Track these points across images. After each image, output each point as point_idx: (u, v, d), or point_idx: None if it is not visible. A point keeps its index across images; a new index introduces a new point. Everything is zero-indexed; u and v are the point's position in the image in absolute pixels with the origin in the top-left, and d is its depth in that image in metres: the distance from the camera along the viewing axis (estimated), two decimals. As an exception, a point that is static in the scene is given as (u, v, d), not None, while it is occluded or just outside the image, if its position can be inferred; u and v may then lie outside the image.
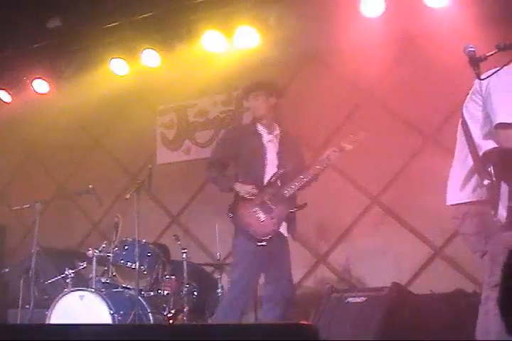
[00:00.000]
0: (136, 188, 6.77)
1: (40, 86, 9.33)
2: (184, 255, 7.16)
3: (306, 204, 6.11)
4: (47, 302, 7.69)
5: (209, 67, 8.69)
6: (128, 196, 6.72)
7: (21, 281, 8.19)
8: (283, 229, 5.98)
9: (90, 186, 7.46)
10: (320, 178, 8.32)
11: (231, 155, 6.17)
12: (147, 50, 8.40)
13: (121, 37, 8.44)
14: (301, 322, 2.08)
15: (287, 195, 5.96)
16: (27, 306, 7.92)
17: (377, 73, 8.08)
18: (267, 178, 6.01)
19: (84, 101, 9.05)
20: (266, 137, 6.14)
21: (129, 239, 7.13)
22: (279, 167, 6.05)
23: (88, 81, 8.95)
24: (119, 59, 8.63)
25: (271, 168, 6.05)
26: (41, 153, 10.35)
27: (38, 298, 7.85)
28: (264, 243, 5.82)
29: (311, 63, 8.74)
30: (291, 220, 6.05)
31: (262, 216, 5.88)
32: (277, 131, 6.19)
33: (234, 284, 5.94)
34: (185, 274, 7.13)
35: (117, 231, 7.35)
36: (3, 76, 9.55)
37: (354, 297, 6.58)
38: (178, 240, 7.45)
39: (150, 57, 8.45)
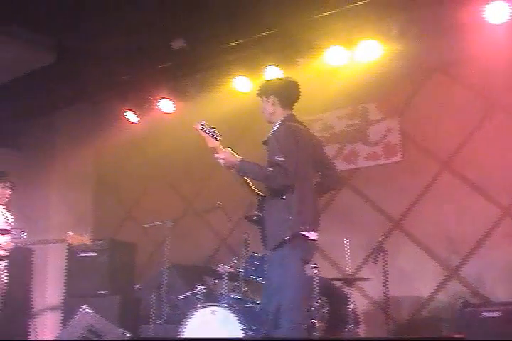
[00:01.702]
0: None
1: (166, 105, 9.56)
2: (314, 270, 7.13)
3: None
4: (178, 317, 7.80)
5: (332, 81, 8.70)
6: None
7: (153, 297, 8.35)
8: None
9: (219, 203, 7.55)
10: (449, 191, 8.24)
11: None
12: (270, 66, 8.47)
13: (244, 55, 8.55)
14: (454, 335, 2.04)
15: None
16: (158, 321, 8.06)
17: (504, 81, 7.88)
18: None
19: (209, 119, 9.07)
20: None
21: (259, 255, 7.17)
22: None
23: (212, 99, 9.12)
24: (242, 76, 8.74)
25: None
26: (169, 171, 10.52)
27: (169, 313, 7.98)
28: None
29: (435, 74, 8.58)
30: None
31: None
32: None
33: None
34: (315, 289, 7.09)
35: (247, 247, 7.41)
36: (130, 97, 9.82)
37: (489, 311, 6.43)
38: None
39: (273, 74, 8.51)
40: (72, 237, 7.79)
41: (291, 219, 5.19)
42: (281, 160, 5.18)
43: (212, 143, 5.46)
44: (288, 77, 5.89)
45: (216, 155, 5.42)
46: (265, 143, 5.54)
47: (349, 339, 6.13)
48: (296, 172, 5.26)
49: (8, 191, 7.94)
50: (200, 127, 5.47)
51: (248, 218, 5.65)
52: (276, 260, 5.31)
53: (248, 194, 5.65)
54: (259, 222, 5.50)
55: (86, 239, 7.88)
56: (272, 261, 5.41)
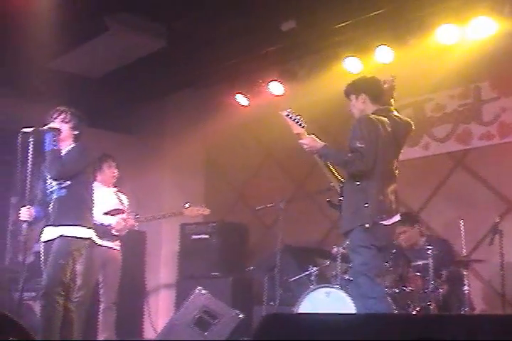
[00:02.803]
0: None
1: (276, 88, 9.55)
2: (430, 251, 7.07)
3: None
4: (291, 299, 7.86)
5: (443, 60, 8.53)
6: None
7: (265, 279, 8.42)
8: None
9: (332, 184, 7.51)
10: None
11: None
12: (380, 46, 8.38)
13: (354, 35, 8.47)
14: None
15: None
16: (271, 303, 8.12)
17: None
18: None
19: (319, 101, 9.10)
20: None
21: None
22: None
23: (322, 81, 9.04)
24: (352, 57, 8.66)
25: None
26: (279, 154, 10.52)
27: (282, 295, 8.03)
28: None
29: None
30: None
31: None
32: None
33: None
34: (430, 271, 7.04)
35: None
36: (239, 80, 9.88)
37: None
38: (424, 236, 7.41)
39: (383, 54, 8.43)
40: (189, 209, 7.90)
41: (367, 207, 5.41)
42: (360, 147, 5.42)
43: (297, 129, 5.80)
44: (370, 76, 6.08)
45: (301, 141, 5.75)
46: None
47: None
48: (376, 160, 5.49)
49: (114, 170, 8.06)
50: (286, 114, 5.82)
51: (330, 203, 5.92)
52: (350, 245, 5.64)
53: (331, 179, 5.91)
54: (340, 207, 5.74)
55: (204, 210, 7.99)
56: (348, 245, 5.75)
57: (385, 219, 5.49)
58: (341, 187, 5.77)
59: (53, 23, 7.97)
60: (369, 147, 5.45)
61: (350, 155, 5.45)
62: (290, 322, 2.43)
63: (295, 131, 5.81)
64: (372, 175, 5.49)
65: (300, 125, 5.80)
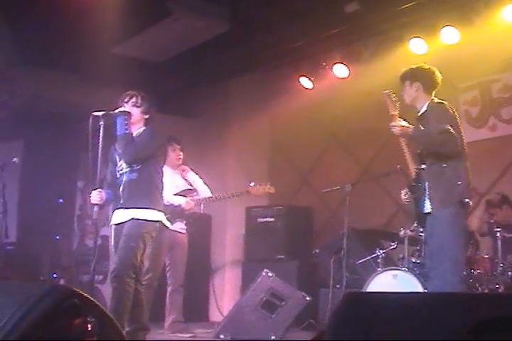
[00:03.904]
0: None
1: (340, 70, 9.50)
2: (498, 234, 7.02)
3: None
4: (357, 282, 7.86)
5: (510, 39, 8.38)
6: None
7: (331, 261, 8.41)
8: None
9: (399, 166, 7.46)
10: None
11: None
12: (446, 27, 8.27)
13: (419, 16, 8.37)
14: None
15: None
16: (337, 286, 8.12)
17: None
18: None
19: (383, 83, 9.00)
20: None
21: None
22: None
23: (387, 62, 8.95)
24: (418, 38, 8.56)
25: None
26: (344, 137, 10.50)
27: (348, 277, 8.02)
28: None
29: None
30: None
31: None
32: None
33: None
34: (499, 253, 6.99)
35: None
36: (303, 63, 9.86)
37: None
38: (492, 218, 7.37)
39: (449, 34, 8.31)
40: (255, 188, 7.96)
41: (460, 184, 5.61)
42: (449, 128, 5.53)
43: (393, 110, 5.91)
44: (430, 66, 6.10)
45: (393, 123, 5.83)
46: (420, 118, 5.89)
47: None
48: (461, 141, 5.68)
49: (178, 152, 8.13)
50: (388, 93, 5.96)
51: (412, 187, 6.02)
52: (441, 223, 5.65)
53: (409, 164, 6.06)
54: (415, 191, 5.91)
55: (269, 189, 8.04)
56: (439, 220, 5.67)
57: (470, 199, 5.74)
58: (417, 172, 5.90)
59: (117, 9, 8.04)
60: (455, 129, 5.58)
61: (441, 135, 5.56)
62: (371, 301, 2.44)
63: (391, 112, 5.92)
64: (461, 155, 5.70)
65: (396, 107, 5.94)
